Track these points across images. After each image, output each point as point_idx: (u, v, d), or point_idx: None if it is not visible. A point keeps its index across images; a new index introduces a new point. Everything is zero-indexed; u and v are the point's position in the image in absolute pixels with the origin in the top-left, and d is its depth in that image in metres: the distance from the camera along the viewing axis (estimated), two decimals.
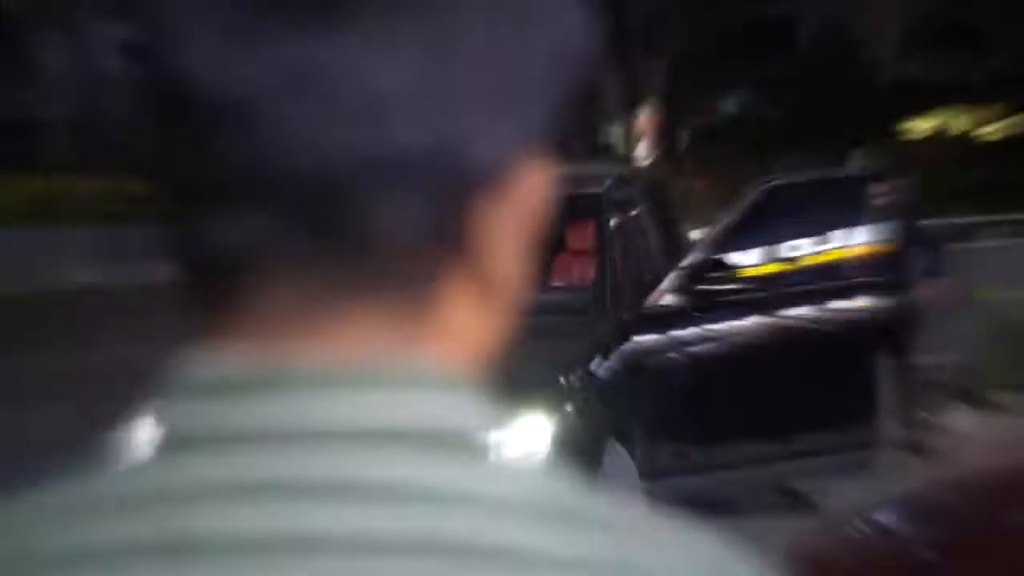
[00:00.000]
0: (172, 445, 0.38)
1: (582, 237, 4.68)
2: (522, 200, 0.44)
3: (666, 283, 4.24)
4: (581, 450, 3.38)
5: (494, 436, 0.42)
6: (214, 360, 0.39)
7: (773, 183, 4.42)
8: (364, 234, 0.40)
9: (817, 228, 4.40)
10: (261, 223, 0.38)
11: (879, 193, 4.47)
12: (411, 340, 0.41)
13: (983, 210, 11.81)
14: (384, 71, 0.37)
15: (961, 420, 6.25)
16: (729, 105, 39.63)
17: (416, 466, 0.38)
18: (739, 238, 4.30)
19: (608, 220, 4.43)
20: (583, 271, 4.50)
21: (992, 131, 44.65)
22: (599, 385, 3.71)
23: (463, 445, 0.40)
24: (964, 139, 43.28)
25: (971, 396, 6.57)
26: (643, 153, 29.77)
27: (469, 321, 0.43)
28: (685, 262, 4.26)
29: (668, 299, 4.23)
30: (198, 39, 0.37)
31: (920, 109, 42.01)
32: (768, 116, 37.18)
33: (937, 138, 43.18)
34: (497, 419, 0.43)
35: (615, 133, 34.68)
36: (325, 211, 0.39)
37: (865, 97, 34.54)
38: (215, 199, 0.39)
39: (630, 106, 31.74)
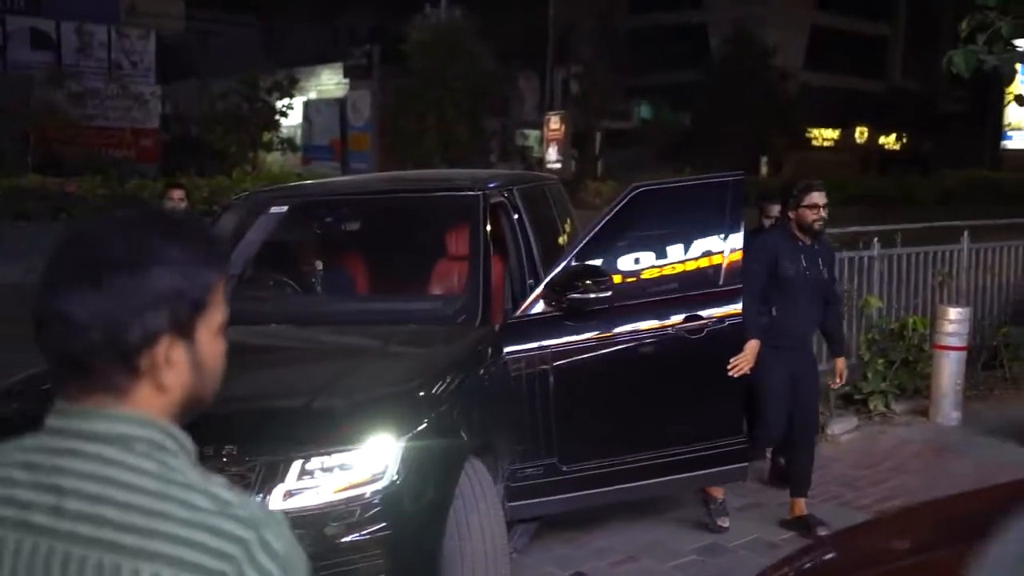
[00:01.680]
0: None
1: (460, 242, 4.56)
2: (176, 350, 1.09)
3: (538, 290, 4.12)
4: (435, 468, 3.24)
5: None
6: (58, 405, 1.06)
7: (638, 189, 4.35)
8: (91, 370, 1.04)
9: (681, 234, 4.38)
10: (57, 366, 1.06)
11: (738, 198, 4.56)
12: (116, 405, 1.05)
13: (878, 219, 12.07)
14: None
15: (843, 427, 6.35)
16: (642, 110, 40.02)
17: (109, 447, 1.03)
18: (606, 244, 4.24)
19: (485, 224, 4.29)
20: (462, 277, 4.37)
21: (891, 142, 46.26)
22: (463, 397, 3.57)
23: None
24: (865, 149, 44.71)
25: (854, 403, 6.68)
26: (553, 156, 29.81)
27: (153, 398, 1.07)
28: (556, 269, 4.15)
29: (539, 307, 4.12)
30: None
31: (825, 119, 43.23)
32: (679, 122, 37.69)
33: (840, 147, 44.51)
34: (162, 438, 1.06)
35: (531, 137, 34.77)
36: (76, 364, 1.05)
37: (772, 105, 35.33)
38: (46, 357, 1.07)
39: (545, 110, 31.81)
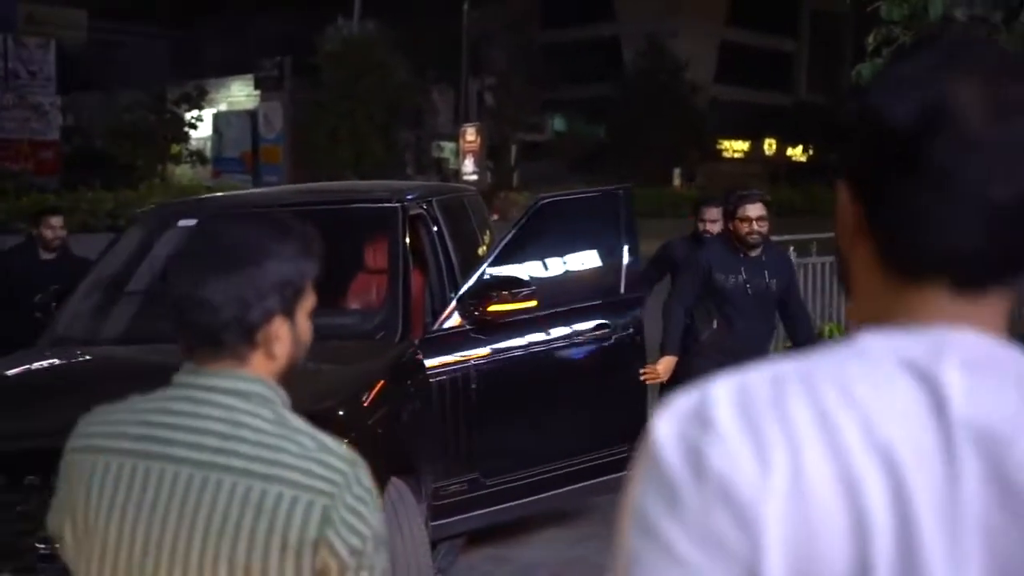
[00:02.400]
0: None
1: (379, 255, 4.44)
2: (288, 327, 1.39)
3: (452, 304, 4.03)
4: None
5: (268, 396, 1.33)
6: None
7: (543, 200, 4.38)
8: (221, 341, 1.32)
9: (584, 244, 4.43)
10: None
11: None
12: (238, 368, 1.33)
13: (789, 228, 12.32)
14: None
15: None
16: (557, 122, 40.37)
17: (248, 405, 1.31)
18: (514, 256, 4.21)
19: (404, 237, 4.18)
20: (381, 291, 4.25)
21: (799, 154, 47.59)
22: (382, 415, 3.46)
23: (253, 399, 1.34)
24: (774, 161, 45.93)
25: None
26: (470, 168, 29.81)
27: (264, 364, 1.36)
28: (468, 282, 4.08)
29: (455, 320, 4.02)
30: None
31: (735, 131, 44.28)
32: (593, 134, 38.14)
33: (750, 158, 45.62)
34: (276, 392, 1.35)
35: (446, 149, 34.71)
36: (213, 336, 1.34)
37: (684, 118, 36.01)
38: None
39: (460, 122, 31.81)
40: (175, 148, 25.07)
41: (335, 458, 1.29)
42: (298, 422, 1.31)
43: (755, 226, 4.49)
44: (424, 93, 30.48)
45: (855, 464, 0.73)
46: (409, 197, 4.48)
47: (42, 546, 2.78)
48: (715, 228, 5.21)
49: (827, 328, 7.08)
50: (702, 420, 0.76)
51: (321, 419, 3.19)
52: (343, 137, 25.79)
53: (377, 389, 3.54)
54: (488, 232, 5.93)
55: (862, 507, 0.73)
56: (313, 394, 3.37)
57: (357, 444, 3.17)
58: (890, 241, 0.82)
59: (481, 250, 5.39)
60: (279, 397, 1.34)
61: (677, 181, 36.45)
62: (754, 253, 4.57)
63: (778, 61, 46.90)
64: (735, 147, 44.88)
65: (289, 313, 1.34)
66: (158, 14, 36.44)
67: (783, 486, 0.73)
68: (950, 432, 0.75)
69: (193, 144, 25.90)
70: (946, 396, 0.75)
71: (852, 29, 37.58)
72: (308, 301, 1.37)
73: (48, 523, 1.37)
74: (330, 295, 4.40)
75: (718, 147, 41.99)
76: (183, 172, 25.31)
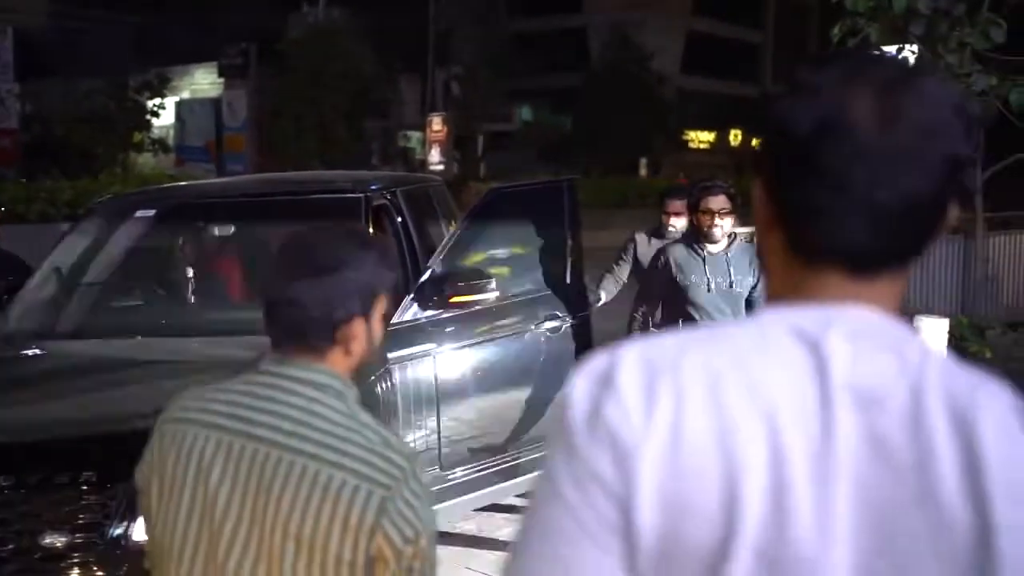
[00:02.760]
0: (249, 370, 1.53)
1: None
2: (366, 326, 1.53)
3: (410, 295, 3.98)
4: None
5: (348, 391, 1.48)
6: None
7: (494, 191, 4.36)
8: (306, 337, 1.47)
9: (534, 235, 4.44)
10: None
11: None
12: (318, 362, 1.47)
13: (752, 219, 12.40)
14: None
15: None
16: (524, 112, 40.28)
17: (326, 396, 1.45)
18: (466, 247, 4.19)
19: (367, 227, 4.11)
20: None
21: None
22: None
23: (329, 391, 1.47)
24: (739, 152, 46.19)
25: None
26: (436, 158, 29.67)
27: (341, 359, 1.50)
28: (426, 273, 4.03)
29: (412, 312, 3.97)
30: None
31: (701, 122, 44.47)
32: (560, 124, 38.10)
33: (716, 149, 45.85)
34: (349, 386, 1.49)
35: (413, 139, 34.52)
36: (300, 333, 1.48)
37: (651, 108, 36.08)
38: None
39: (426, 112, 31.63)
40: (137, 136, 24.67)
41: (396, 454, 1.41)
42: (365, 417, 1.46)
43: (717, 219, 4.18)
44: (391, 83, 30.28)
45: (734, 418, 0.82)
46: (373, 187, 4.42)
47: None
48: (679, 221, 5.12)
49: None
50: (606, 380, 0.85)
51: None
52: (308, 126, 25.54)
53: None
54: (454, 222, 5.87)
55: (735, 456, 0.81)
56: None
57: None
58: (794, 232, 0.92)
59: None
60: (351, 392, 1.48)
61: (643, 171, 36.54)
62: (716, 249, 4.25)
63: (745, 52, 47.13)
64: (701, 138, 45.06)
65: (366, 315, 1.51)
66: (121, 1, 35.86)
67: (662, 434, 0.82)
68: (829, 393, 0.84)
69: (155, 132, 25.50)
70: (828, 361, 0.85)
71: (817, 20, 37.85)
72: (382, 305, 1.54)
73: (136, 477, 1.56)
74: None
75: (684, 137, 42.11)
76: (145, 161, 24.92)
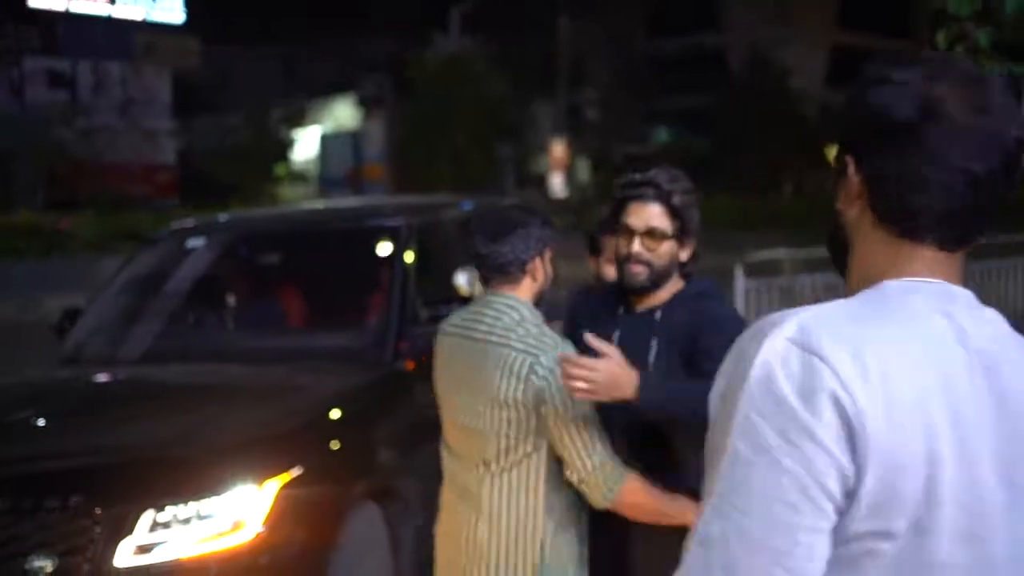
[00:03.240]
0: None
1: (378, 274, 4.36)
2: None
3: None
4: (310, 516, 3.03)
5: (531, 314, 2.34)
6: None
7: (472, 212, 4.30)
8: (507, 273, 2.33)
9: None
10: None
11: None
12: (513, 291, 2.33)
13: None
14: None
15: None
16: (660, 134, 39.85)
17: (510, 311, 2.31)
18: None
19: (402, 256, 4.09)
20: (376, 310, 4.17)
21: None
22: (355, 437, 3.36)
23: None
24: None
25: None
26: (558, 183, 29.68)
27: (531, 288, 2.36)
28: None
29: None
30: None
31: None
32: (697, 145, 37.43)
33: None
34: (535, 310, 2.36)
35: (543, 163, 34.71)
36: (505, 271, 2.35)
37: (792, 126, 34.99)
38: None
39: (554, 138, 31.73)
40: (279, 168, 25.76)
41: (538, 339, 2.23)
42: (529, 322, 2.27)
43: (636, 247, 2.37)
44: (524, 107, 30.55)
45: (924, 383, 0.97)
46: (412, 217, 4.40)
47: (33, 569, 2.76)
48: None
49: None
50: (808, 348, 0.96)
51: (270, 440, 3.17)
52: (441, 153, 26.03)
53: (347, 411, 3.46)
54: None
55: (930, 416, 0.96)
56: (270, 418, 3.31)
57: (312, 466, 3.14)
58: (891, 206, 1.06)
59: None
60: (525, 307, 2.29)
61: (787, 191, 35.45)
62: (643, 303, 2.44)
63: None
64: None
65: (541, 257, 2.33)
66: (270, 35, 37.64)
67: (879, 400, 0.94)
68: (972, 358, 1.01)
69: (296, 164, 26.56)
70: (964, 331, 1.02)
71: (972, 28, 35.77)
72: (548, 252, 2.35)
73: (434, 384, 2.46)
74: (330, 315, 4.35)
75: (828, 157, 40.61)
76: (292, 192, 25.97)
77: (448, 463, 2.41)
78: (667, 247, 2.37)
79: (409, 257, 4.17)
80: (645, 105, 36.51)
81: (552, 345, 2.20)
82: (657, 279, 2.38)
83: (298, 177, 26.29)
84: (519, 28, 31.84)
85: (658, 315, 2.38)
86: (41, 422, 3.51)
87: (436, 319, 3.88)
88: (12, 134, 23.05)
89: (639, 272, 2.36)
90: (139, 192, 25.30)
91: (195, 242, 4.62)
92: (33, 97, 26.36)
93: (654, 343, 2.34)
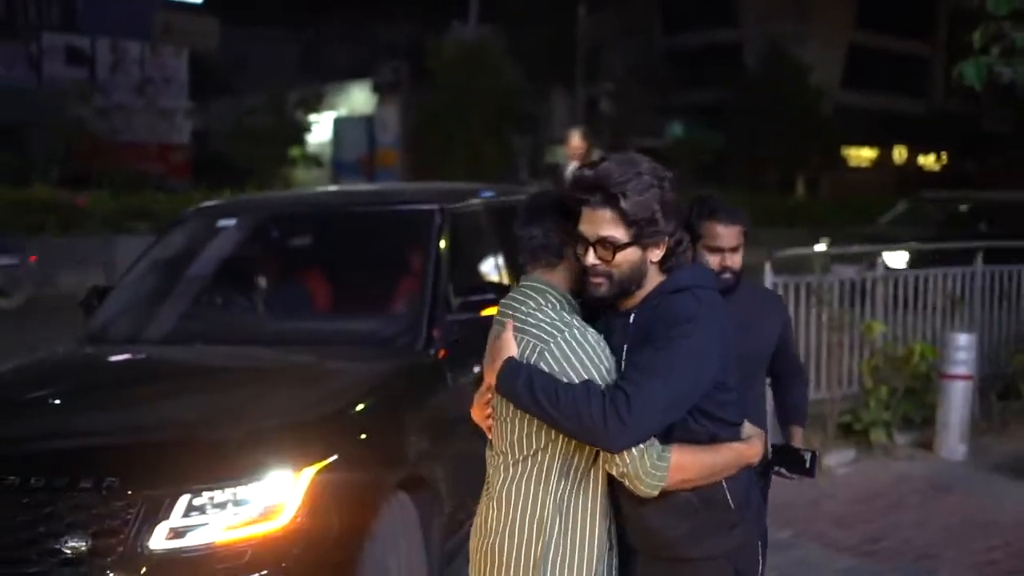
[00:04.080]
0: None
1: (411, 260, 4.31)
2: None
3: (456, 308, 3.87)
4: (345, 503, 2.98)
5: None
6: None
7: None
8: (538, 257, 2.23)
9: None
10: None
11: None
12: (546, 275, 2.23)
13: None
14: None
15: (840, 459, 6.00)
16: (675, 128, 39.67)
17: (536, 295, 2.22)
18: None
19: (437, 241, 4.04)
20: (409, 296, 4.11)
21: (930, 163, 45.41)
22: (387, 425, 3.32)
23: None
24: (903, 169, 43.92)
25: (853, 434, 6.33)
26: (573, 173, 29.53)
27: (566, 273, 2.23)
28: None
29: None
30: None
31: (862, 138, 42.56)
32: (712, 140, 37.23)
33: (878, 167, 43.75)
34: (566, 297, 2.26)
35: (560, 153, 34.56)
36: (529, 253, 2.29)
37: (808, 124, 34.78)
38: None
39: (573, 127, 31.61)
40: (294, 151, 25.71)
41: (552, 326, 2.12)
42: (549, 308, 2.17)
43: (591, 259, 2.18)
44: (541, 97, 30.37)
45: None
46: (446, 202, 4.35)
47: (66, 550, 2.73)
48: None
49: (918, 347, 6.58)
50: None
51: (306, 427, 3.13)
52: (457, 141, 25.93)
53: (380, 398, 3.41)
54: None
55: None
56: (304, 403, 3.26)
57: (346, 454, 3.10)
58: None
59: None
60: (552, 293, 2.20)
61: (800, 189, 35.28)
62: (623, 303, 2.23)
63: (911, 64, 44.85)
64: (862, 155, 43.13)
65: (573, 246, 2.17)
66: (288, 19, 37.53)
67: None
68: None
69: (311, 148, 26.50)
70: None
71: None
72: (582, 243, 2.15)
73: None
74: (361, 299, 4.30)
75: (843, 155, 40.41)
76: (305, 175, 25.93)
77: (487, 454, 2.32)
78: (626, 255, 2.10)
79: (443, 243, 4.11)
80: (660, 99, 36.30)
81: (565, 330, 2.09)
82: (621, 291, 2.14)
83: (313, 161, 26.22)
84: (537, 18, 31.67)
85: (632, 317, 2.16)
86: (76, 401, 3.47)
87: (467, 307, 3.87)
88: (29, 109, 23.05)
89: (599, 283, 2.13)
90: (154, 171, 25.26)
91: (225, 222, 4.58)
92: (51, 73, 26.35)
93: (625, 348, 2.13)
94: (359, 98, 32.57)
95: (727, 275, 2.90)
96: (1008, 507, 5.33)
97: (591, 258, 2.11)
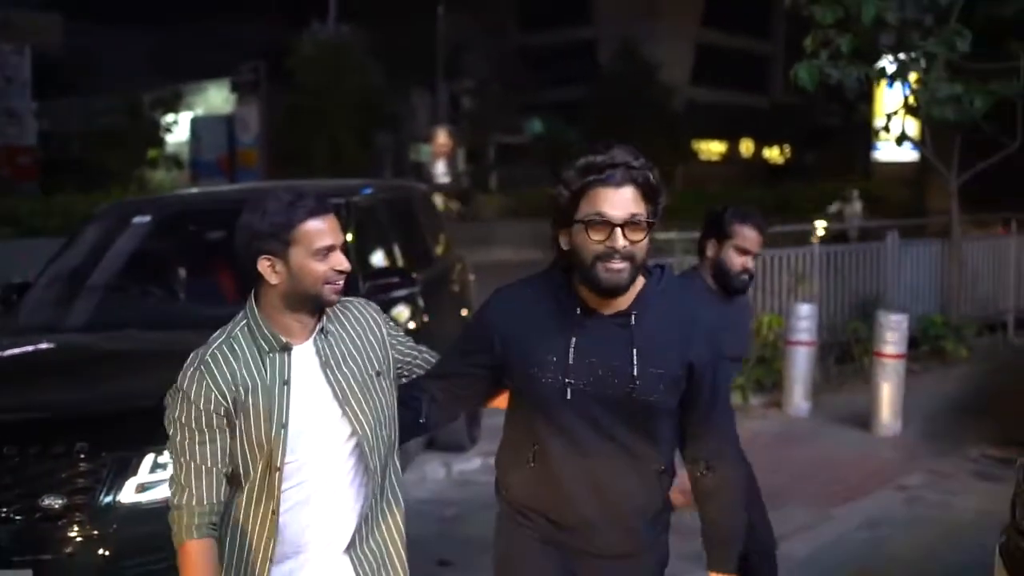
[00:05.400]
0: None
1: None
2: None
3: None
4: None
5: None
6: None
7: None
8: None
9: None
10: None
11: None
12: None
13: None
14: None
15: None
16: (535, 125, 40.65)
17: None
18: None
19: (345, 232, 4.46)
20: None
21: (775, 156, 48.09)
22: None
23: None
24: (751, 162, 46.37)
25: None
26: (441, 170, 30.05)
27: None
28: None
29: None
30: None
31: (711, 133, 44.68)
32: (570, 136, 38.40)
33: (727, 159, 46.03)
34: None
35: (423, 151, 34.95)
36: None
37: (659, 119, 36.34)
38: None
39: (436, 127, 32.05)
40: (152, 152, 25.19)
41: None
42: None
43: (621, 241, 2.03)
44: (402, 96, 30.68)
45: None
46: (359, 192, 4.78)
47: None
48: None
49: (766, 319, 7.41)
50: None
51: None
52: (319, 140, 25.98)
53: None
54: (437, 226, 6.24)
55: None
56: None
57: None
58: None
59: (429, 244, 5.68)
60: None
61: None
62: (606, 303, 2.12)
63: (754, 63, 47.35)
64: (712, 148, 45.25)
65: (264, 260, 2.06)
66: (137, 18, 36.49)
67: None
68: None
69: (169, 148, 26.02)
70: None
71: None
72: (267, 259, 2.05)
73: None
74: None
75: (694, 149, 42.32)
76: (162, 176, 25.41)
77: None
78: (646, 236, 2.04)
79: (350, 234, 4.53)
80: (519, 96, 37.18)
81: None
82: (635, 277, 2.05)
83: (172, 161, 25.75)
84: (397, 17, 31.96)
85: (634, 318, 2.05)
86: (36, 380, 3.74)
87: (374, 290, 4.33)
88: None
89: (622, 269, 2.01)
90: None
91: (139, 219, 4.86)
92: None
93: (635, 354, 2.03)
94: (217, 98, 32.03)
95: (745, 276, 3.25)
96: (844, 451, 6.17)
97: (620, 240, 1.97)
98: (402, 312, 4.83)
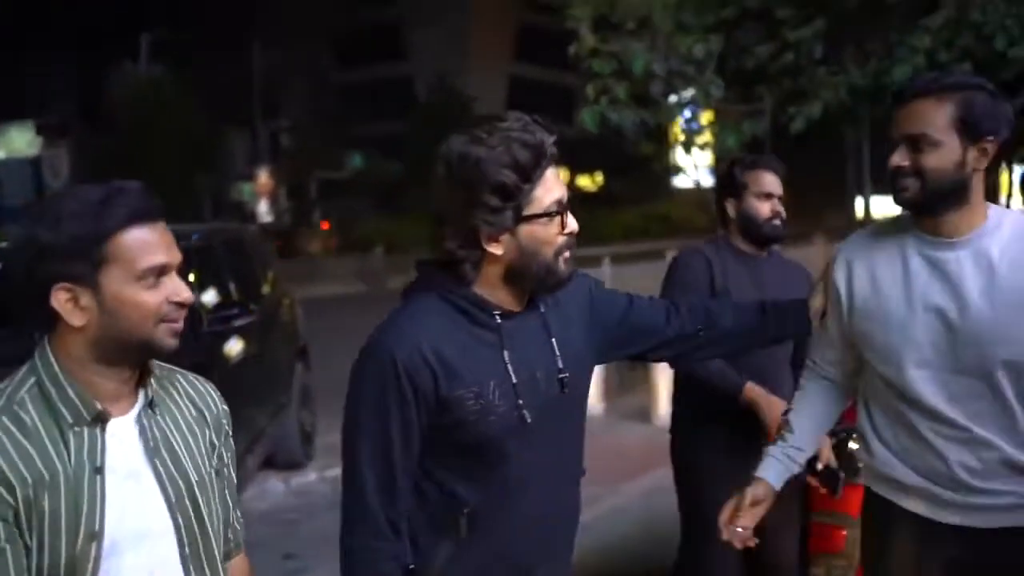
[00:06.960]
0: None
1: None
2: None
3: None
4: None
5: None
6: None
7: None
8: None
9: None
10: None
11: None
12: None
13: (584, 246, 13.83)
14: None
15: None
16: (356, 160, 41.18)
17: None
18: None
19: (187, 271, 5.09)
20: None
21: (589, 184, 50.47)
22: None
23: None
24: (568, 188, 48.19)
25: None
26: (264, 209, 30.18)
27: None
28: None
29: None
30: None
31: None
32: (391, 169, 39.16)
33: None
34: None
35: (245, 190, 34.81)
36: None
37: None
38: None
39: (257, 164, 32.10)
40: None
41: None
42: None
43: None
44: (220, 136, 30.58)
45: None
46: (193, 236, 5.42)
47: None
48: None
49: None
50: None
51: None
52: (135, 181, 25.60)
53: None
54: (267, 264, 6.92)
55: None
56: None
57: None
58: None
59: (258, 278, 6.37)
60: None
61: None
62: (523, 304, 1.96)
63: (563, 95, 49.67)
64: None
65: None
66: None
67: None
68: None
69: None
70: None
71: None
72: (62, 290, 1.51)
73: None
74: None
75: None
76: None
77: None
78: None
79: (191, 274, 5.17)
80: (339, 132, 37.63)
81: None
82: None
83: None
84: (211, 56, 31.88)
85: (542, 307, 1.85)
86: None
87: (216, 321, 5.00)
88: None
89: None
90: None
91: None
92: None
93: (554, 342, 1.83)
94: (20, 141, 30.94)
95: (777, 221, 3.01)
96: (634, 441, 7.22)
97: (572, 223, 1.81)
98: (239, 342, 5.47)
